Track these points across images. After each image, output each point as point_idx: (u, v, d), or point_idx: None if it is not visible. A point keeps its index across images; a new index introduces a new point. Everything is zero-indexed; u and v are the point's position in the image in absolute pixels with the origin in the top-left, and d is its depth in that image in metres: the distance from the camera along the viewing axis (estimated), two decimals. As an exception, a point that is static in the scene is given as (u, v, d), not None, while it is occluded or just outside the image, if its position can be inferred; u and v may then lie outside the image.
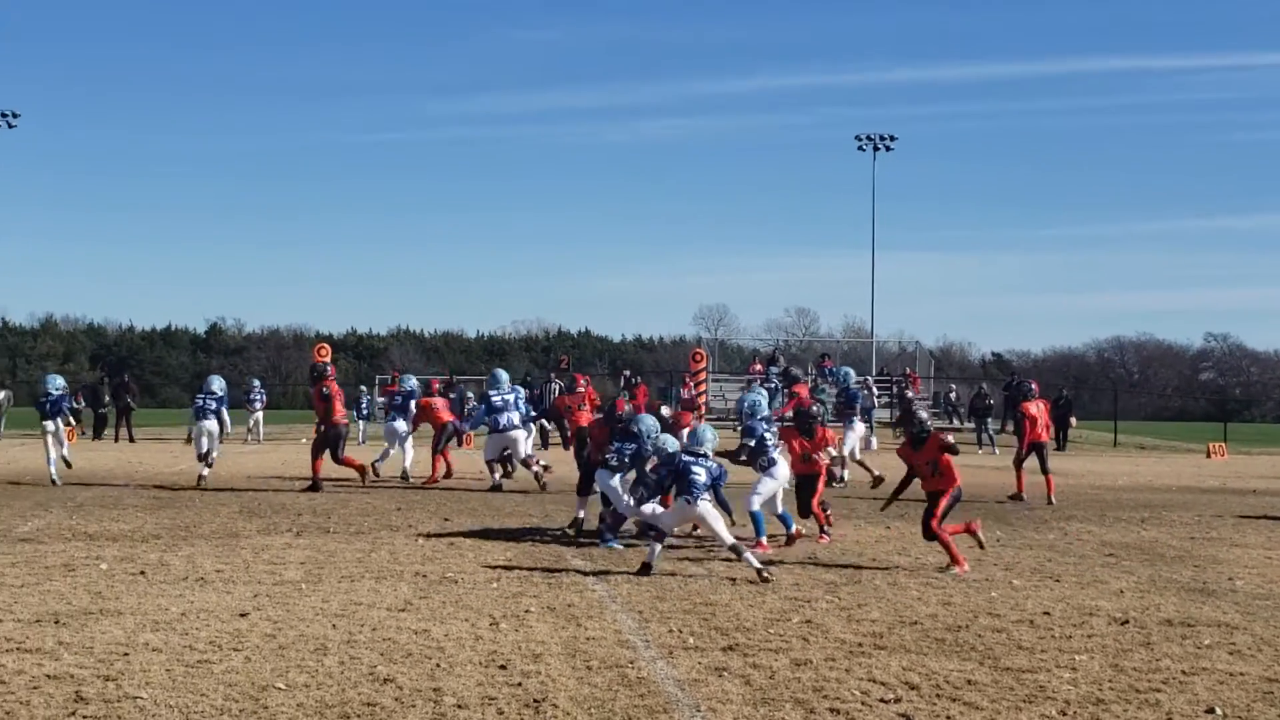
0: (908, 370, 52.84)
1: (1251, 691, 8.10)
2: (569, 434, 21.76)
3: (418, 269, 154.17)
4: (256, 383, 43.09)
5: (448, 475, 23.36)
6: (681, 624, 9.99)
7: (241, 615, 10.07)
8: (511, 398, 21.80)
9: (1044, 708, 7.61)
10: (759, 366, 46.59)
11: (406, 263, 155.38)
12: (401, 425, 24.48)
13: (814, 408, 15.41)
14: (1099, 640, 9.62)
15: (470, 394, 41.46)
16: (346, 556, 13.40)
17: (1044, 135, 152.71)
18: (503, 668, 8.42)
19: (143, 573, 12.17)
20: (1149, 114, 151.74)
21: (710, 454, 13.08)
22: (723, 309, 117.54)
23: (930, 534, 13.12)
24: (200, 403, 22.82)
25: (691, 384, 41.81)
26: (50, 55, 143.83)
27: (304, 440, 39.82)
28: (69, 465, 23.18)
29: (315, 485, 21.11)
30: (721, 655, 8.90)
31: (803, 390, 25.60)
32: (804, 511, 14.89)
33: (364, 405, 39.94)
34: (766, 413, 15.32)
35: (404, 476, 23.53)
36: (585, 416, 22.33)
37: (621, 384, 37.30)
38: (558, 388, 35.31)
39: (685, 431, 14.91)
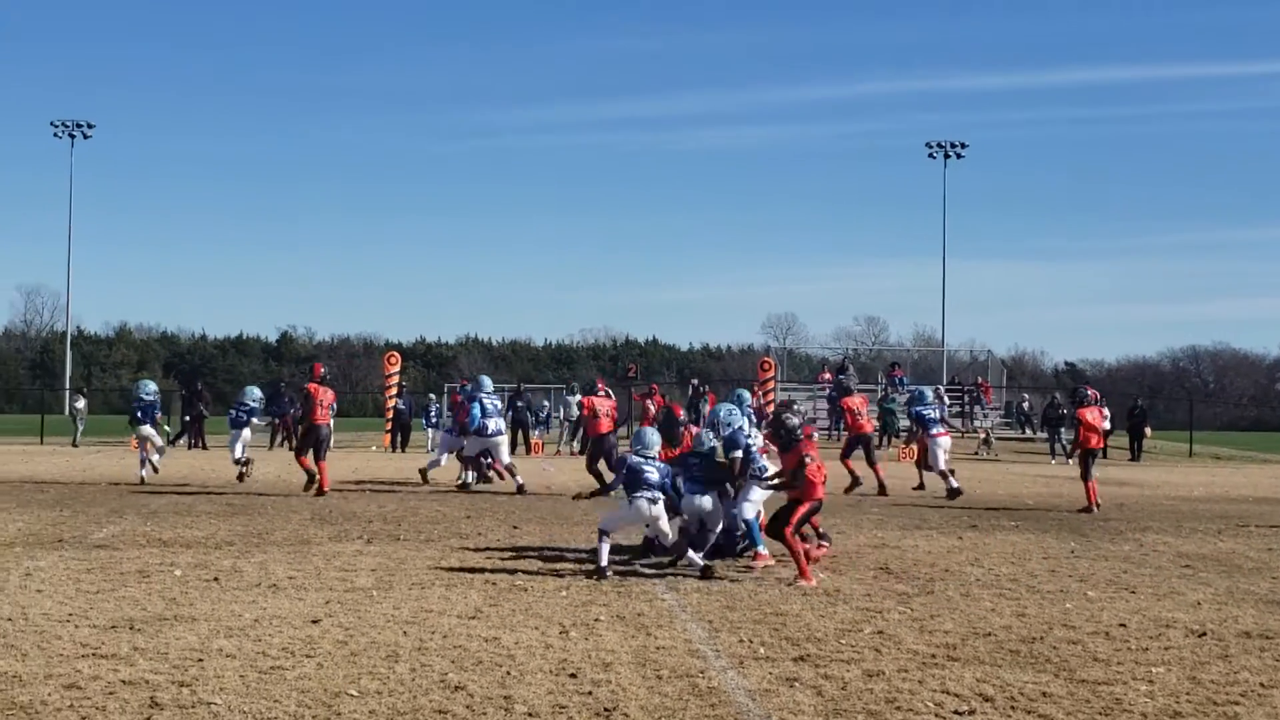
0: (979, 379, 52.49)
1: (1335, 707, 7.95)
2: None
3: (487, 277, 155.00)
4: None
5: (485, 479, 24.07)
6: (752, 634, 9.94)
7: (314, 622, 10.12)
8: (499, 402, 23.14)
9: (1121, 721, 7.51)
10: (827, 375, 46.46)
11: (476, 271, 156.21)
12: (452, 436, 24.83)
13: (794, 419, 14.64)
14: (1176, 652, 9.48)
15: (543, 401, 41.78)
16: (417, 564, 13.45)
17: (1118, 142, 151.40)
18: (573, 676, 8.40)
19: (216, 579, 12.27)
20: (1226, 120, 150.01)
21: (659, 458, 13.32)
22: (791, 317, 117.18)
23: (778, 535, 12.88)
24: (234, 413, 24.00)
25: (760, 393, 41.66)
26: (123, 65, 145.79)
27: (373, 448, 40.16)
28: (155, 471, 23.98)
29: (313, 480, 21.87)
30: (793, 666, 8.84)
31: (850, 402, 25.52)
32: (772, 533, 13.20)
33: (432, 413, 40.15)
34: (742, 421, 14.65)
35: (463, 485, 23.76)
36: (605, 424, 22.72)
37: (689, 393, 37.33)
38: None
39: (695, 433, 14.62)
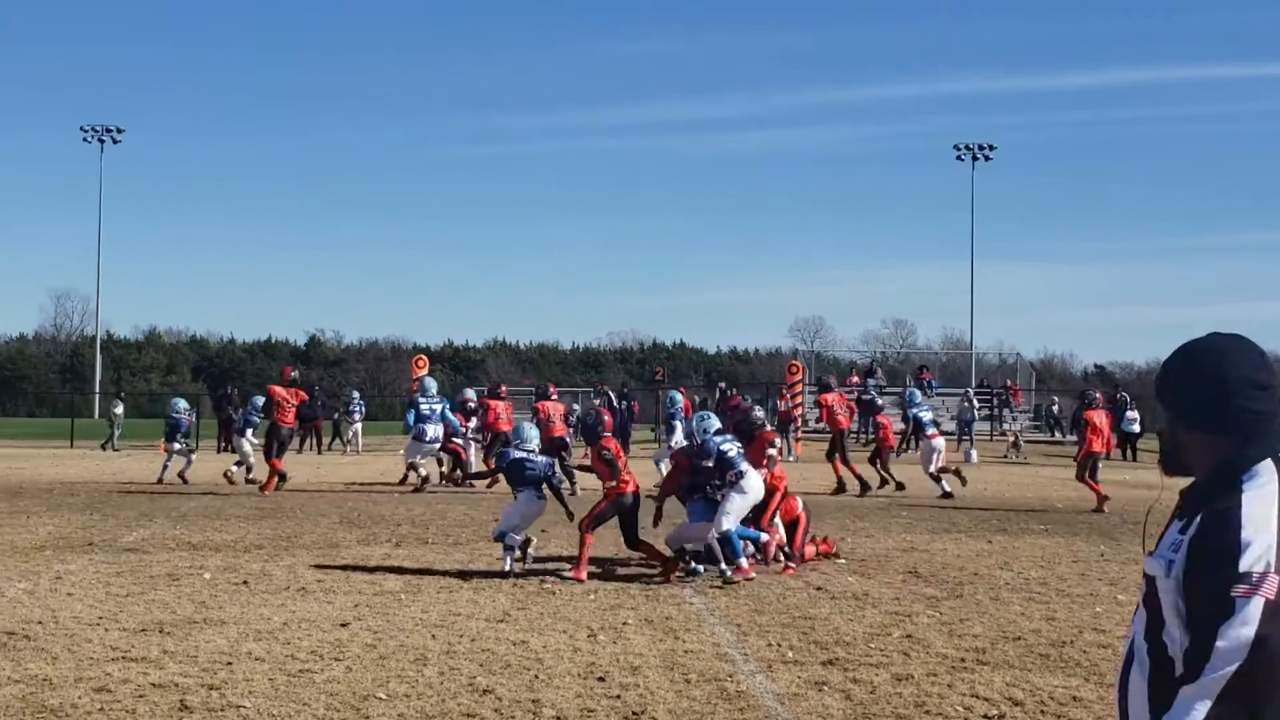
0: (1008, 382, 52.35)
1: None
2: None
3: (514, 281, 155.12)
4: (356, 394, 43.65)
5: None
6: (780, 638, 9.92)
7: (342, 625, 10.14)
8: (439, 408, 23.64)
9: (1153, 726, 7.45)
10: (856, 378, 46.39)
11: (503, 275, 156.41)
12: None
13: (756, 413, 14.37)
14: (1208, 657, 9.40)
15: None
16: (445, 567, 13.47)
17: (1146, 143, 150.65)
18: (601, 679, 8.40)
19: (245, 582, 12.31)
20: (1252, 122, 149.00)
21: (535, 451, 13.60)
22: (819, 320, 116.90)
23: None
24: (241, 419, 25.77)
25: (788, 396, 41.62)
26: (153, 70, 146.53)
27: (401, 452, 40.21)
28: (184, 480, 24.39)
29: (281, 478, 22.70)
30: (821, 670, 8.81)
31: (827, 399, 25.64)
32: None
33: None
34: (717, 425, 13.95)
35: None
36: (559, 429, 23.05)
37: (716, 396, 37.30)
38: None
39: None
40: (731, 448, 13.49)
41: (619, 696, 7.95)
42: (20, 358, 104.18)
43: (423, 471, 23.72)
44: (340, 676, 8.39)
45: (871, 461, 24.77)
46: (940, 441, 24.06)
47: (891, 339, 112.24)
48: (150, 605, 11.01)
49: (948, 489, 22.96)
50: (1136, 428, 41.16)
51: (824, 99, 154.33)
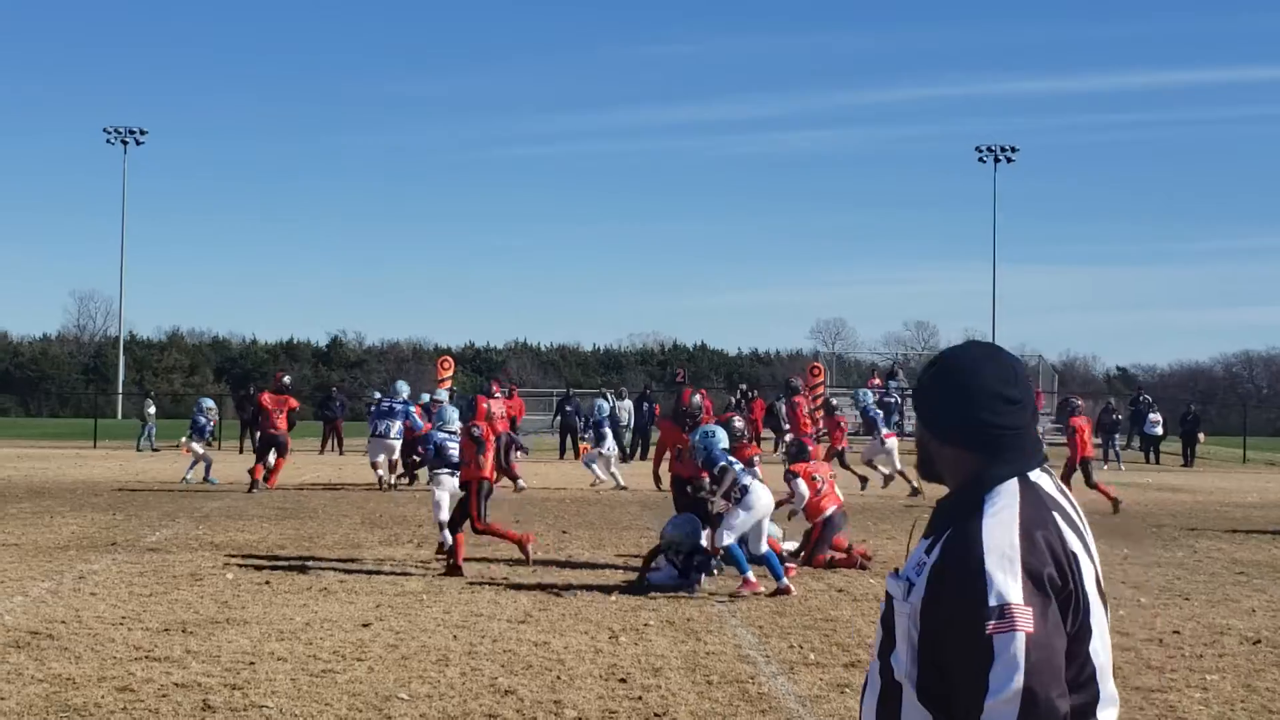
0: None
1: (1394, 716, 7.85)
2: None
3: (535, 282, 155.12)
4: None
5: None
6: (802, 639, 9.91)
7: (364, 625, 10.17)
8: (401, 409, 23.81)
9: (1176, 730, 7.44)
10: (877, 380, 46.29)
11: (524, 276, 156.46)
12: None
13: (736, 422, 14.13)
14: (1230, 660, 9.38)
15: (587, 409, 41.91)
16: (467, 567, 13.46)
17: (1168, 146, 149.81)
18: (623, 681, 8.40)
19: (268, 583, 12.35)
20: (1275, 124, 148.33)
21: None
22: (840, 322, 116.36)
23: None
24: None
25: (810, 396, 41.55)
26: (176, 72, 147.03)
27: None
28: (207, 480, 24.53)
29: (252, 485, 22.79)
30: (843, 672, 8.80)
31: (802, 402, 25.63)
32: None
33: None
34: (724, 444, 13.26)
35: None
36: (502, 425, 23.12)
37: (738, 397, 37.28)
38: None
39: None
40: (736, 463, 13.06)
41: (641, 698, 7.95)
42: (44, 358, 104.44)
43: (380, 472, 23.80)
44: (362, 677, 8.41)
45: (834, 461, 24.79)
46: (894, 442, 24.06)
47: (913, 341, 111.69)
48: (173, 605, 11.05)
49: (915, 487, 22.75)
50: (1159, 430, 40.97)
51: (845, 101, 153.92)
